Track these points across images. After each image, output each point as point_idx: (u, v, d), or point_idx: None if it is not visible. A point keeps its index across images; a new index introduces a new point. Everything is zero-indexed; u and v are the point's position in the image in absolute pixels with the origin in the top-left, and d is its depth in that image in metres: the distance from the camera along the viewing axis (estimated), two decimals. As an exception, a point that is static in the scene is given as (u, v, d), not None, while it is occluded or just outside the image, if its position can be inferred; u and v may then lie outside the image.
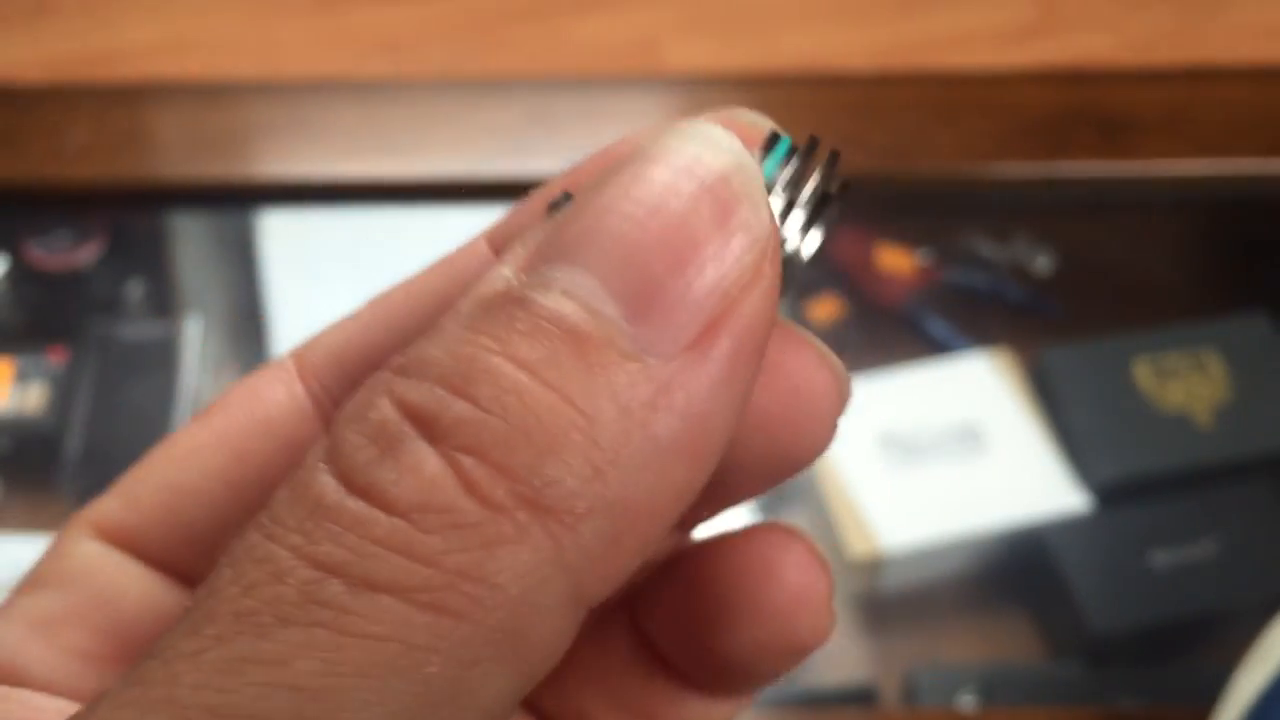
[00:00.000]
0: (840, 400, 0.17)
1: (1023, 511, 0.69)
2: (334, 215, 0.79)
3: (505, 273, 0.14)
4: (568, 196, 0.15)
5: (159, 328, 0.75)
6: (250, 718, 0.12)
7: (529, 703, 0.19)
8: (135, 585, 0.18)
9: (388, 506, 0.13)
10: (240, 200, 0.75)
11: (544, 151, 0.70)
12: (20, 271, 0.76)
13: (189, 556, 0.18)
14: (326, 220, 0.80)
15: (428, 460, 0.13)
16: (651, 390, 0.14)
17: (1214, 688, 0.51)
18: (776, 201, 0.16)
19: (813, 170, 0.16)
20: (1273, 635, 0.50)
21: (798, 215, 0.16)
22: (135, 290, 0.77)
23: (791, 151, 0.16)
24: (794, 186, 0.16)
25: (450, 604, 0.13)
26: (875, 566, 0.67)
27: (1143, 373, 0.74)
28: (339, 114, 0.72)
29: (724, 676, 0.18)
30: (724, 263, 0.14)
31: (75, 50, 1.01)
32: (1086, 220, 0.85)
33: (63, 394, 0.72)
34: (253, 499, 0.17)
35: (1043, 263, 0.80)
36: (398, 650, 0.12)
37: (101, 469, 0.70)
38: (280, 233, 0.78)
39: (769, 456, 0.16)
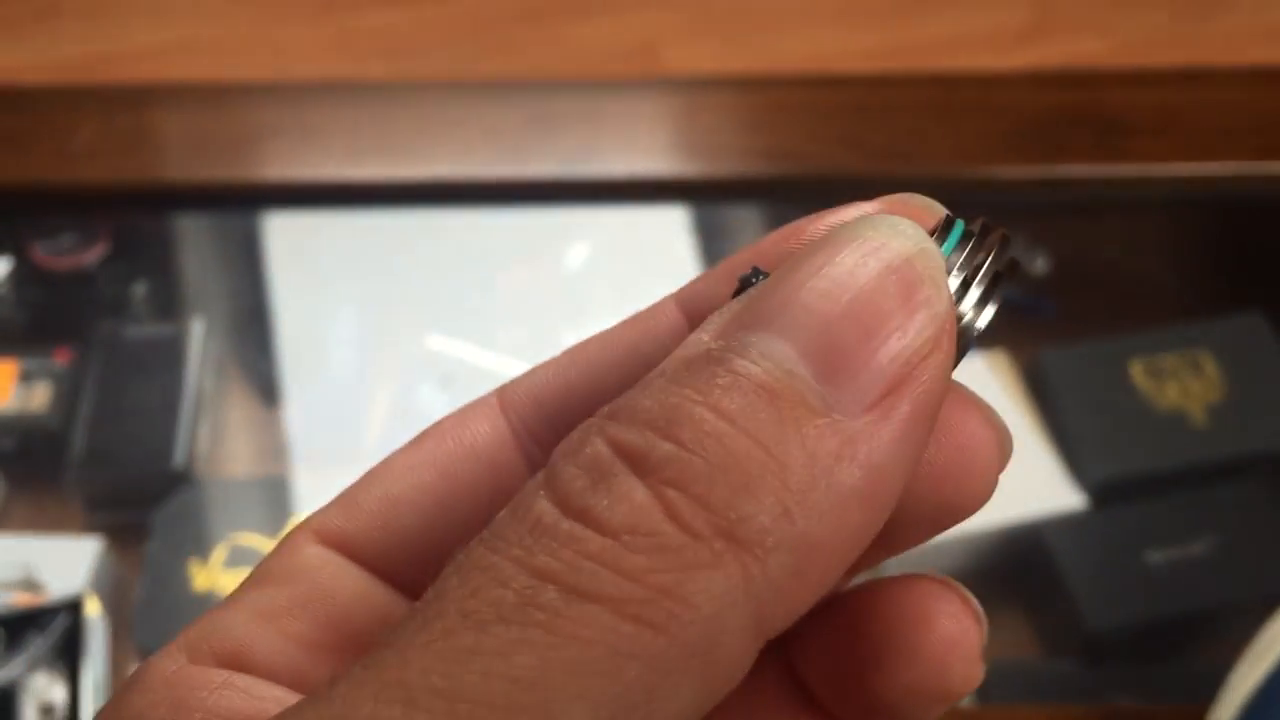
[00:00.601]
0: (1002, 457, 0.18)
1: (1019, 510, 0.69)
2: (337, 217, 0.80)
3: (704, 338, 0.16)
4: (758, 272, 0.17)
5: (163, 328, 0.76)
6: (472, 701, 0.14)
7: None
8: (350, 584, 0.20)
9: (600, 527, 0.15)
10: (244, 202, 0.75)
11: (545, 154, 0.71)
12: (26, 272, 0.77)
13: (399, 561, 0.20)
14: (329, 222, 0.80)
15: (636, 490, 0.15)
16: (837, 443, 0.15)
17: (1209, 685, 0.51)
18: (953, 280, 0.17)
19: (986, 251, 0.18)
20: (1269, 633, 0.51)
21: (973, 293, 0.18)
22: (140, 291, 0.78)
23: (966, 235, 0.18)
24: (968, 266, 0.18)
25: (651, 617, 0.14)
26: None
27: (1138, 373, 0.74)
28: (341, 117, 0.73)
29: (873, 717, 0.19)
30: (906, 335, 0.16)
31: (81, 53, 1.02)
32: (1082, 221, 0.86)
33: (68, 394, 0.72)
34: (457, 512, 0.20)
35: (1039, 264, 0.81)
36: (603, 653, 0.14)
37: (106, 468, 0.70)
38: (283, 234, 0.78)
39: (934, 507, 0.18)
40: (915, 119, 0.72)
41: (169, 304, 0.79)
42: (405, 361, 0.75)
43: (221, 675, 0.18)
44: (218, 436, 0.74)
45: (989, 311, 0.18)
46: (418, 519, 0.20)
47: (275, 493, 0.70)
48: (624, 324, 0.21)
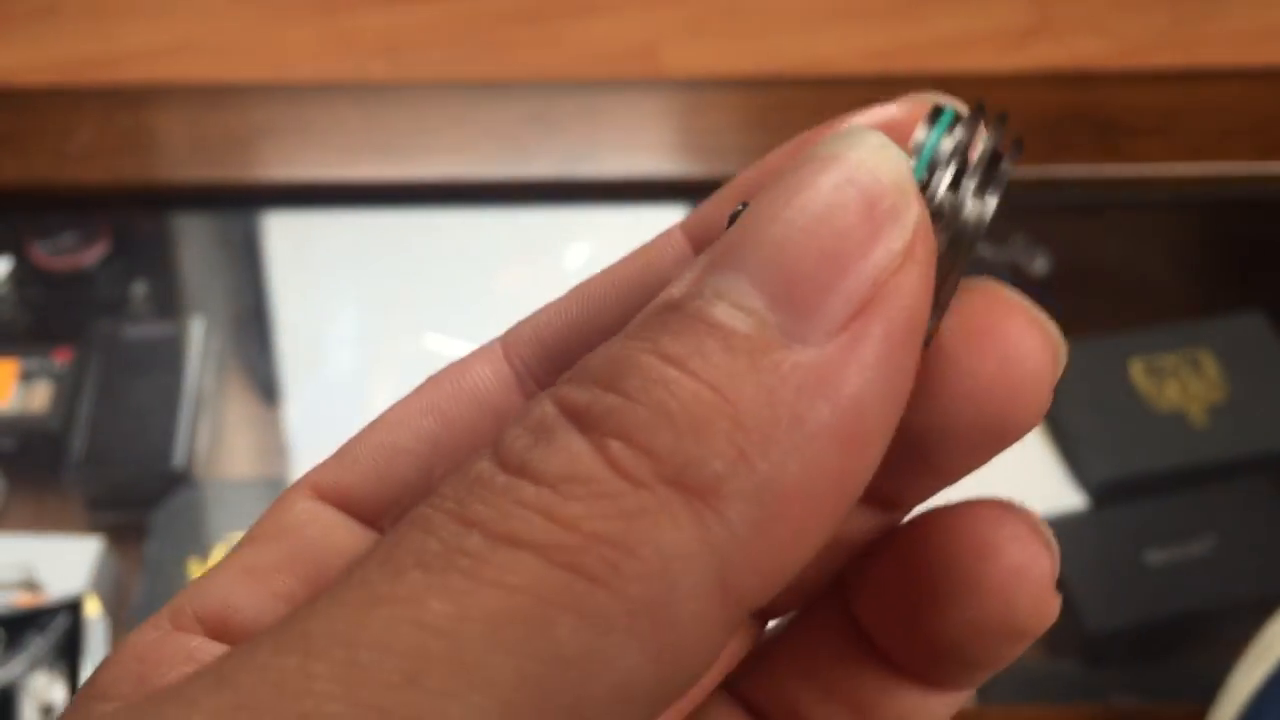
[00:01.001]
0: (1054, 365, 0.16)
1: (1019, 510, 0.69)
2: (336, 216, 0.80)
3: (673, 290, 0.15)
4: (745, 206, 0.16)
5: (163, 328, 0.76)
6: (375, 648, 0.13)
7: (738, 695, 0.19)
8: (344, 537, 0.19)
9: (535, 478, 0.13)
10: (243, 202, 0.75)
11: (544, 153, 0.71)
12: (25, 272, 0.77)
13: (397, 512, 0.19)
14: (329, 221, 0.80)
15: (576, 442, 0.14)
16: (800, 376, 0.14)
17: (1209, 685, 0.51)
18: (947, 174, 0.16)
19: (980, 134, 0.16)
20: (1269, 634, 0.51)
21: (969, 181, 0.16)
22: (139, 291, 0.78)
23: (955, 120, 0.16)
24: (962, 153, 0.16)
25: (587, 566, 0.13)
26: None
27: (1138, 372, 0.74)
28: (341, 116, 0.72)
29: (939, 664, 0.18)
30: (872, 251, 0.14)
31: (80, 53, 1.02)
32: (1083, 221, 0.86)
33: (67, 394, 0.72)
34: (458, 459, 0.19)
35: (1040, 263, 0.81)
36: (529, 602, 0.13)
37: (106, 468, 0.70)
38: (283, 234, 0.78)
39: (979, 427, 0.16)
40: (915, 119, 0.72)
41: (169, 303, 0.79)
42: (405, 361, 0.75)
43: (188, 646, 0.17)
44: (217, 436, 0.74)
45: (991, 199, 0.16)
46: (415, 467, 0.19)
47: (275, 492, 0.70)
48: (629, 257, 0.20)
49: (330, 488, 0.19)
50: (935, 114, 0.16)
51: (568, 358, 0.18)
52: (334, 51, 1.10)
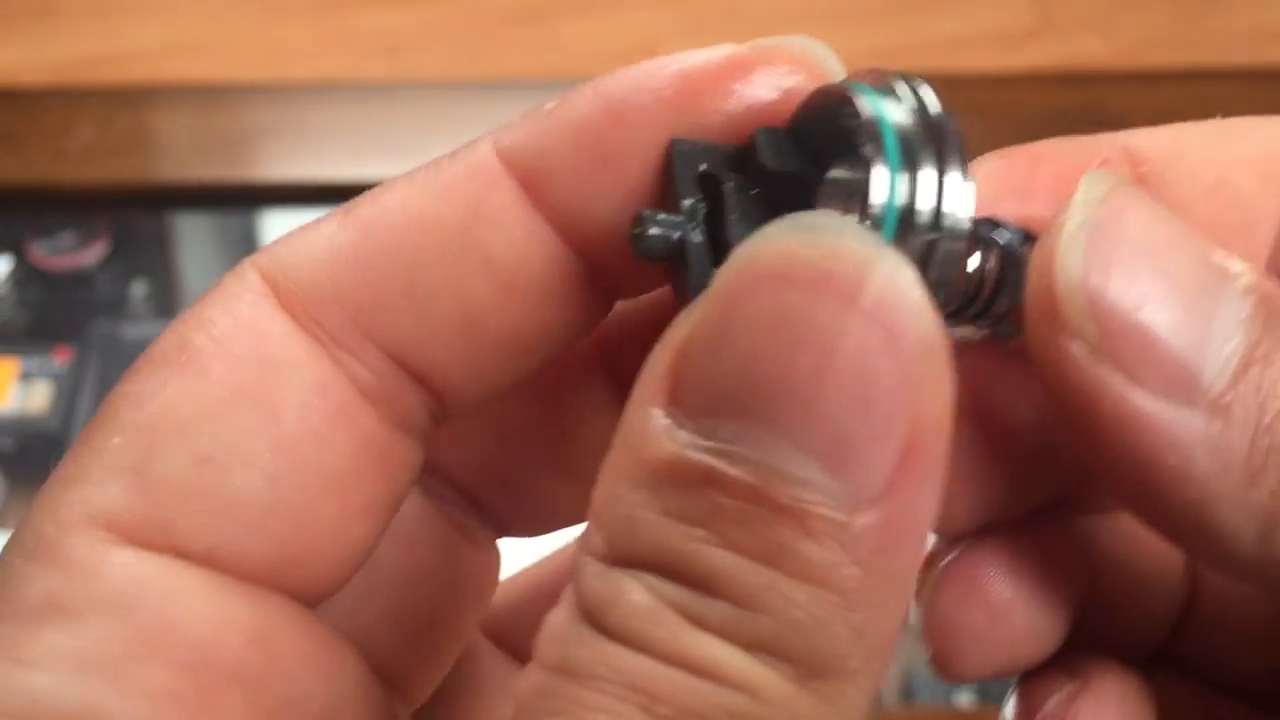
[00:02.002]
0: None
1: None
2: (336, 216, 0.79)
3: (663, 424, 0.14)
4: (650, 216, 0.15)
5: (162, 328, 0.75)
6: None
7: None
8: (192, 596, 0.15)
9: (720, 680, 0.13)
10: (243, 201, 0.75)
11: (545, 153, 0.71)
12: (25, 272, 0.77)
13: (244, 541, 0.15)
14: (328, 221, 0.80)
15: (723, 649, 0.14)
16: (877, 534, 0.13)
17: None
18: (925, 175, 0.14)
19: (920, 98, 0.14)
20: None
21: (950, 178, 0.14)
22: (139, 291, 0.78)
23: (883, 91, 0.15)
24: (921, 134, 0.14)
25: None
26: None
27: (1139, 373, 0.74)
28: (340, 116, 0.72)
29: None
30: (906, 386, 0.13)
31: (80, 53, 1.01)
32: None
33: (67, 393, 0.72)
34: (308, 456, 0.15)
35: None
36: None
37: (105, 468, 0.70)
38: (282, 234, 0.78)
39: None
40: (915, 119, 0.72)
41: (168, 303, 0.79)
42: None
43: None
44: (217, 436, 0.74)
45: (970, 184, 0.14)
46: (254, 476, 0.15)
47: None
48: (438, 193, 0.17)
49: (133, 524, 0.15)
50: (854, 86, 0.15)
51: (376, 310, 0.16)
52: (334, 51, 1.09)
